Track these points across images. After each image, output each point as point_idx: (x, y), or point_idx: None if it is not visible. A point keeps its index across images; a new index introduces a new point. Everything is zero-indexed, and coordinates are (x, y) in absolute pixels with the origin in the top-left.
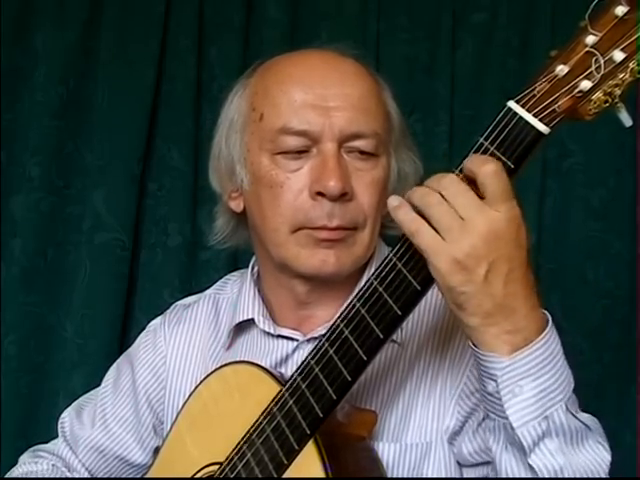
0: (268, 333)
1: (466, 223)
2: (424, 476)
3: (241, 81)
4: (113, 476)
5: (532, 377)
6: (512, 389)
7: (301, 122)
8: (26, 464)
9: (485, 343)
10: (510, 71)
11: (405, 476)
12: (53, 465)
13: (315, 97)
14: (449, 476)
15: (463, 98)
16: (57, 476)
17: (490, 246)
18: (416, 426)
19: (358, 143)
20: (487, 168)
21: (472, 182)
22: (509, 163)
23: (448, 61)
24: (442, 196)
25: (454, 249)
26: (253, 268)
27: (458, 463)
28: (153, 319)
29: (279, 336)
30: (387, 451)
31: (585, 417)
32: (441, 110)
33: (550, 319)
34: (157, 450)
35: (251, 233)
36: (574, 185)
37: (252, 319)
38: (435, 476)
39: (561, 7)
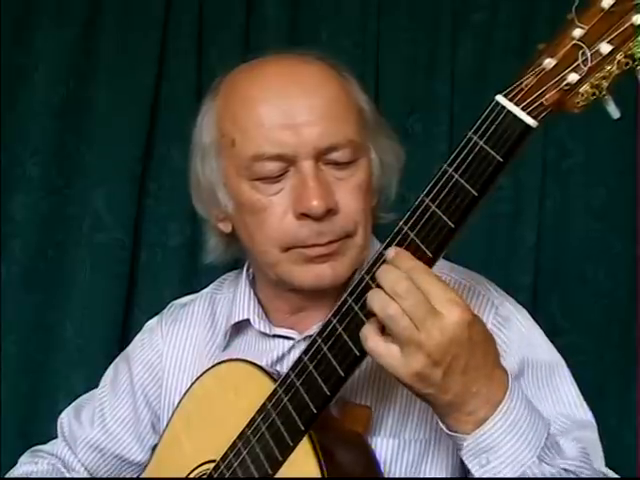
0: (264, 333)
1: (423, 335)
2: (423, 473)
3: (206, 103)
4: (113, 474)
5: (495, 448)
6: (479, 461)
7: (273, 146)
8: (25, 465)
9: (449, 425)
10: (510, 71)
11: (404, 472)
12: (53, 465)
13: (282, 116)
14: (449, 474)
15: (463, 98)
16: (56, 476)
17: (445, 352)
18: (415, 422)
19: (334, 155)
20: (423, 273)
21: None
22: (498, 157)
23: (448, 61)
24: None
25: (414, 364)
26: (248, 269)
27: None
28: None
29: (275, 336)
30: (386, 446)
31: (567, 457)
32: (441, 110)
33: (509, 383)
34: (155, 448)
35: (244, 249)
36: (574, 185)
37: (248, 319)
38: (434, 473)
39: (561, 7)
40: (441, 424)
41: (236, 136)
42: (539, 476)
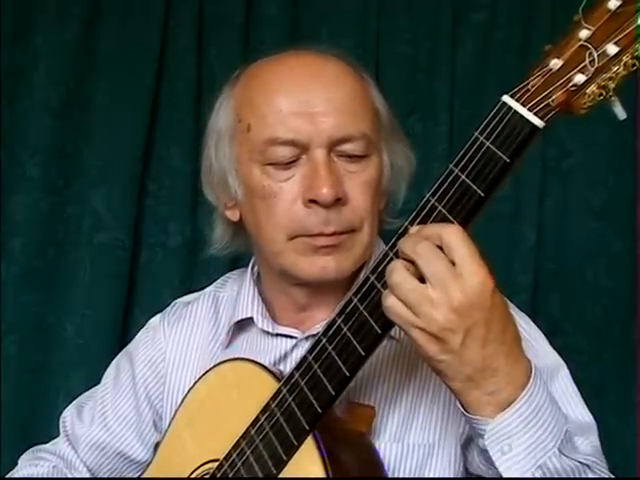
0: (267, 332)
1: (439, 296)
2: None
3: (225, 91)
4: (115, 473)
5: (519, 434)
6: (501, 447)
7: (288, 131)
8: (26, 467)
9: (469, 405)
10: (510, 71)
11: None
12: (54, 467)
13: (300, 104)
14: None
15: (463, 98)
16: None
17: (465, 316)
18: (419, 427)
19: (347, 147)
20: (453, 233)
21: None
22: (504, 157)
23: (448, 61)
24: (413, 263)
25: (429, 324)
26: (253, 267)
27: (467, 469)
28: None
29: (278, 334)
30: (389, 451)
31: (582, 452)
32: (441, 110)
33: (534, 368)
34: (157, 446)
35: (250, 240)
36: (574, 185)
37: (251, 318)
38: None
39: (561, 7)
40: (460, 408)
41: (252, 121)
42: (559, 467)
